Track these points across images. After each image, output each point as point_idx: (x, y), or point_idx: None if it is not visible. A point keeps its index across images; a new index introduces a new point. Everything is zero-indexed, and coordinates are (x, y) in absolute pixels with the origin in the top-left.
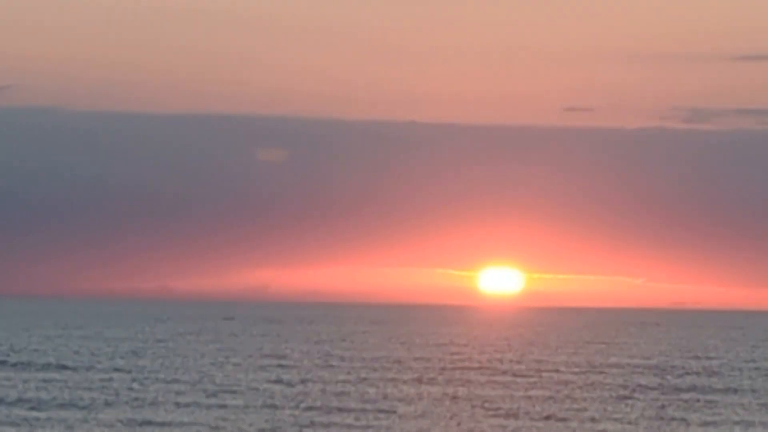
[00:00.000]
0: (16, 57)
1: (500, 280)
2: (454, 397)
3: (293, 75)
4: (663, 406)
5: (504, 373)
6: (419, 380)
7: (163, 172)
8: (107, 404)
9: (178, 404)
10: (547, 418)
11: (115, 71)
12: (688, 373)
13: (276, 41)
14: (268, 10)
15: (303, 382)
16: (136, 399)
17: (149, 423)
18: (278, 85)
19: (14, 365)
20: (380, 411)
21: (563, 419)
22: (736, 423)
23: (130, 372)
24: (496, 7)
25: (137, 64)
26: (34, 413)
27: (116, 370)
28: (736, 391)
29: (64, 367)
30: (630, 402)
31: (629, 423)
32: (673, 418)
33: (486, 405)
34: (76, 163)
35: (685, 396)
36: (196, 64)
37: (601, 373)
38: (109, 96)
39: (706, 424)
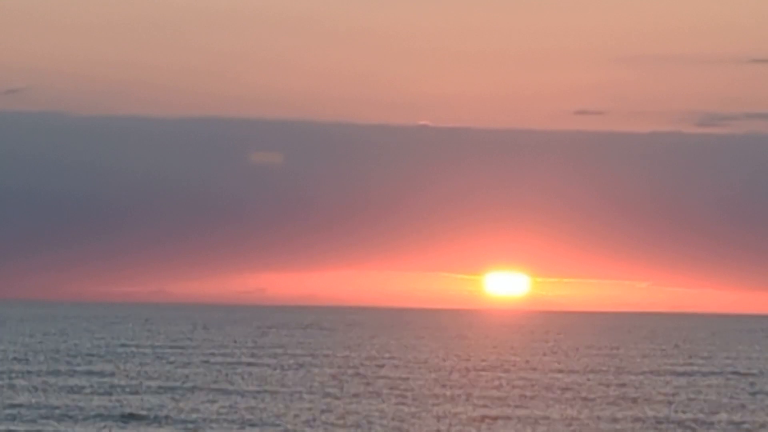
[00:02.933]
0: (30, 59)
1: (505, 284)
2: None
3: (300, 77)
4: None
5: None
6: None
7: (161, 175)
8: None
9: None
10: None
11: (122, 75)
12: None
13: (287, 43)
14: (278, 12)
15: None
16: None
17: None
18: (285, 87)
19: None
20: None
21: None
22: None
23: None
24: (507, 11)
25: (144, 69)
26: None
27: None
28: None
29: None
30: None
31: None
32: None
33: None
34: (76, 166)
35: None
36: (202, 68)
37: None
38: (114, 99)
39: None
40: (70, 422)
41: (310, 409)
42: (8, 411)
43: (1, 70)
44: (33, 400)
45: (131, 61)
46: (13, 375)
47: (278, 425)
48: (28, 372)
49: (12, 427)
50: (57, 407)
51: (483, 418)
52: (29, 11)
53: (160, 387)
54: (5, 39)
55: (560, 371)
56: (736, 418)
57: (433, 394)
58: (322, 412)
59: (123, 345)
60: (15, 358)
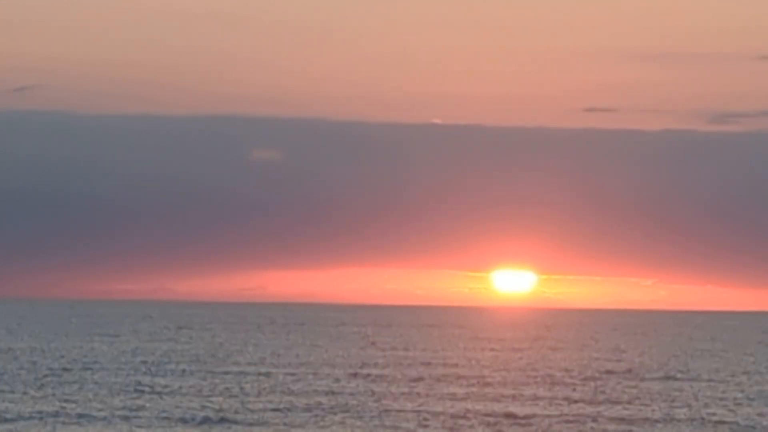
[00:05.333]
0: (39, 57)
1: (512, 281)
2: None
3: (309, 76)
4: None
5: None
6: None
7: (164, 173)
8: None
9: None
10: None
11: (127, 74)
12: None
13: (298, 42)
14: (288, 12)
15: None
16: None
17: None
18: (294, 86)
19: None
20: None
21: None
22: None
23: None
24: (516, 8)
25: (148, 68)
26: None
27: None
28: None
29: None
30: None
31: None
32: None
33: None
34: (79, 165)
35: None
36: (211, 67)
37: None
38: (115, 98)
39: None
40: None
41: None
42: None
43: (10, 68)
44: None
45: (140, 60)
46: None
47: None
48: None
49: None
50: None
51: None
52: (38, 10)
53: None
54: (14, 37)
55: None
56: None
57: None
58: None
59: None
60: None
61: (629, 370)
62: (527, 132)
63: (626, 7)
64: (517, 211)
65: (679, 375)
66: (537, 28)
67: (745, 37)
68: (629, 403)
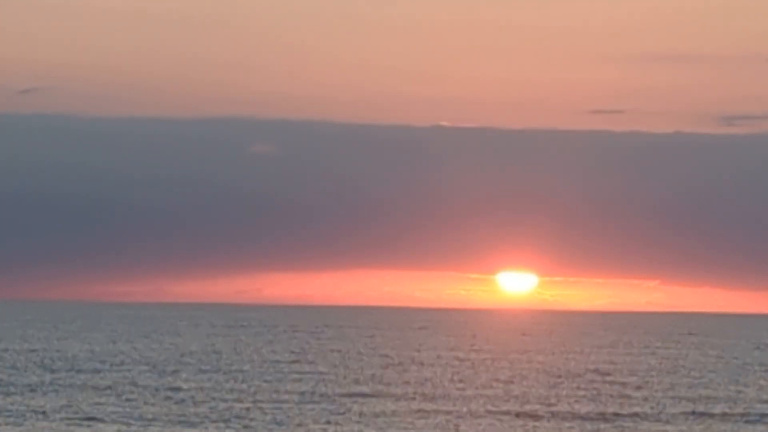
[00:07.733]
0: (43, 61)
1: (513, 284)
2: None
3: (316, 78)
4: None
5: None
6: None
7: (164, 175)
8: None
9: None
10: None
11: (131, 77)
12: None
13: (301, 48)
14: (294, 18)
15: None
16: None
17: None
18: (300, 88)
19: None
20: None
21: None
22: None
23: None
24: (523, 11)
25: (151, 71)
26: None
27: None
28: None
29: None
30: None
31: None
32: None
33: None
34: (80, 167)
35: None
36: (212, 71)
37: None
38: (119, 101)
39: None
40: None
41: None
42: None
43: (15, 70)
44: None
45: (144, 64)
46: None
47: None
48: None
49: None
50: None
51: None
52: (44, 13)
53: None
54: (20, 40)
55: None
56: None
57: None
58: None
59: None
60: None
61: None
62: (534, 134)
63: (634, 10)
64: (522, 213)
65: None
66: (544, 30)
67: (754, 40)
68: None
